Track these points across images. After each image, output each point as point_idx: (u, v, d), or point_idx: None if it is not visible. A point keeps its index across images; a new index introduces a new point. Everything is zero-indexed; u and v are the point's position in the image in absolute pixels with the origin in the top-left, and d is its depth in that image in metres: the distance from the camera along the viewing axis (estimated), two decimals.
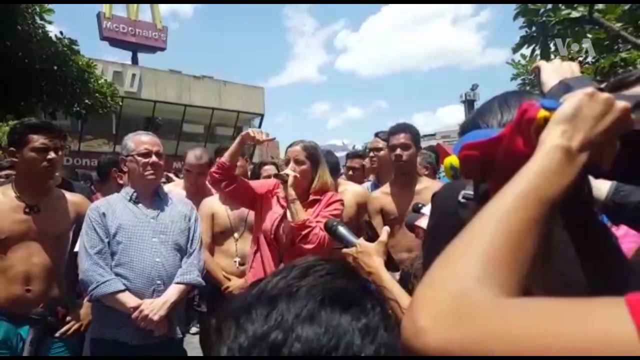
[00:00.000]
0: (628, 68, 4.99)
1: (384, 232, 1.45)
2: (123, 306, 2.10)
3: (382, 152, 3.31)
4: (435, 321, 0.47)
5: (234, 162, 2.48)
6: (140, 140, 2.33)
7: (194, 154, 3.23)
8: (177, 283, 2.22)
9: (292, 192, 2.35)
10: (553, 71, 0.99)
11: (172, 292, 2.18)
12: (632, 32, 5.19)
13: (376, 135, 3.43)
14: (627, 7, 5.54)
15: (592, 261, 0.80)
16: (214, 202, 3.03)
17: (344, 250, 1.49)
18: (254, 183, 2.61)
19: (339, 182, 3.22)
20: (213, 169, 2.54)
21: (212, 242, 3.01)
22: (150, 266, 2.18)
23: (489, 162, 0.71)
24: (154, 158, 2.29)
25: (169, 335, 2.20)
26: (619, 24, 5.28)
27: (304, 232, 2.30)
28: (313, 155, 2.48)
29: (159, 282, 2.19)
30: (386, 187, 2.95)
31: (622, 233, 1.40)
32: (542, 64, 1.05)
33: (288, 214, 2.41)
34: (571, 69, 1.00)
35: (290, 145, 2.52)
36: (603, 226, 0.98)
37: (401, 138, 2.78)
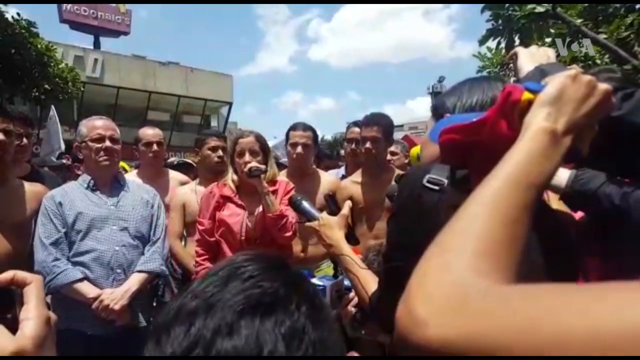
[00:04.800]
0: (587, 62, 5.18)
1: (346, 205, 1.48)
2: (82, 296, 2.04)
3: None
4: (436, 312, 0.44)
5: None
6: (93, 125, 2.24)
7: (149, 129, 3.17)
8: (139, 271, 2.17)
9: (265, 185, 2.33)
10: (529, 57, 1.01)
11: (134, 281, 2.14)
12: (591, 28, 5.38)
13: (355, 124, 3.40)
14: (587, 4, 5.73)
15: (544, 241, 0.84)
16: (185, 192, 2.99)
17: (307, 223, 1.53)
18: (205, 218, 2.44)
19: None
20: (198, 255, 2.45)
21: (184, 232, 2.97)
22: (110, 255, 2.12)
23: (470, 146, 0.71)
24: (107, 143, 2.20)
25: (132, 324, 2.16)
26: (579, 20, 5.47)
27: (282, 222, 2.31)
28: (265, 145, 2.47)
29: (119, 271, 2.14)
30: (356, 176, 2.97)
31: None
32: (520, 50, 1.06)
33: (246, 213, 2.39)
34: (547, 55, 1.01)
35: (240, 137, 2.45)
36: (548, 206, 1.02)
37: (373, 131, 2.78)
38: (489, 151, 0.63)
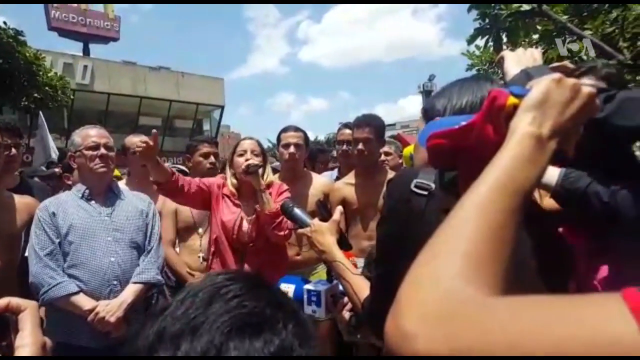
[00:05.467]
0: (574, 59, 5.22)
1: (337, 211, 1.49)
2: (77, 309, 2.02)
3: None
4: (423, 325, 0.44)
5: (164, 177, 2.29)
6: (87, 134, 2.24)
7: (135, 137, 3.15)
8: (135, 282, 2.15)
9: (262, 182, 2.39)
10: (515, 60, 1.01)
11: (129, 293, 2.12)
12: (577, 24, 5.43)
13: (345, 126, 3.42)
14: None
15: (539, 245, 0.86)
16: None
17: (299, 230, 1.54)
18: (204, 181, 2.53)
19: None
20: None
21: (176, 239, 2.97)
22: (105, 266, 2.10)
23: (457, 151, 0.71)
24: (102, 150, 2.20)
25: (127, 336, 2.14)
26: (565, 16, 5.52)
27: (278, 220, 2.34)
28: (264, 151, 2.58)
29: (115, 282, 2.11)
30: (350, 178, 2.98)
31: None
32: (506, 53, 1.06)
33: (242, 213, 2.44)
34: (533, 57, 1.02)
35: (242, 140, 2.58)
36: (543, 210, 1.03)
37: (365, 132, 2.80)
38: (476, 155, 0.64)
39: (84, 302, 2.03)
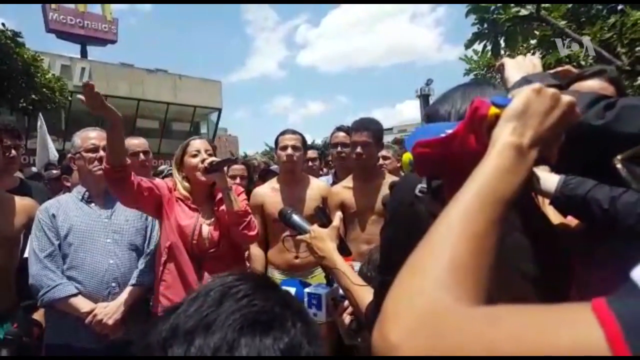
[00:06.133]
0: (572, 64, 5.25)
1: (337, 217, 1.49)
2: (76, 311, 2.03)
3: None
4: (407, 336, 0.46)
5: (121, 154, 1.99)
6: (87, 136, 2.25)
7: (133, 139, 3.13)
8: (133, 285, 2.16)
9: (229, 180, 2.24)
10: (516, 67, 1.02)
11: (127, 295, 2.12)
12: (575, 29, 5.46)
13: (339, 129, 3.42)
14: (570, 5, 5.82)
15: (540, 254, 0.85)
16: None
17: (298, 237, 1.53)
18: (154, 181, 2.25)
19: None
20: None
21: None
22: (104, 268, 2.11)
23: (441, 159, 0.72)
24: (101, 153, 2.20)
25: (126, 338, 2.13)
26: (563, 22, 5.54)
27: (247, 219, 2.22)
28: (215, 148, 2.42)
29: (113, 284, 2.12)
30: (348, 182, 2.98)
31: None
32: (507, 60, 1.07)
33: (201, 217, 2.24)
34: (533, 64, 1.02)
35: (191, 140, 2.34)
36: (547, 219, 1.03)
37: (363, 136, 2.80)
38: (460, 164, 0.65)
39: (83, 304, 2.04)
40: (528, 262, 0.85)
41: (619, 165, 0.63)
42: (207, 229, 2.24)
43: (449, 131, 0.71)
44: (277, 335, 0.54)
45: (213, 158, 2.22)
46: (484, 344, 0.42)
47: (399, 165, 3.77)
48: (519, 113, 0.63)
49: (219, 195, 2.27)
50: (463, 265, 0.51)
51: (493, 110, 0.65)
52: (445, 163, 0.72)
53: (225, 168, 2.55)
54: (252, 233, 2.27)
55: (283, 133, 3.02)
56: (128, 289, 2.15)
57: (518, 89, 0.68)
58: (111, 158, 1.96)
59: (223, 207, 2.23)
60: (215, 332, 0.53)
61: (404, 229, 0.94)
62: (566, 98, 0.65)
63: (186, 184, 2.29)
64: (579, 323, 0.40)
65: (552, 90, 0.65)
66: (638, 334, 0.38)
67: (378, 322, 0.50)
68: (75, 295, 2.03)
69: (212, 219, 2.27)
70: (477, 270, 0.51)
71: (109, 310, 2.05)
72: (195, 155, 2.25)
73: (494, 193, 0.57)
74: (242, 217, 2.20)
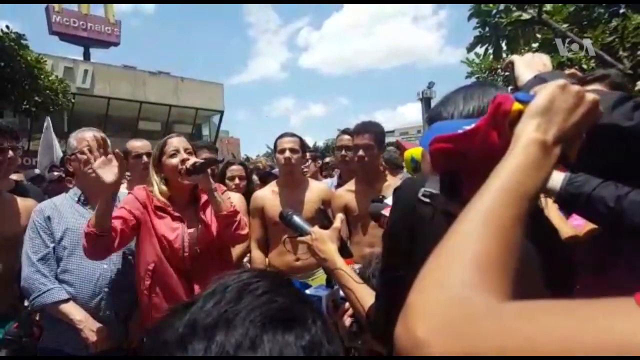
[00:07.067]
0: (574, 67, 5.24)
1: (338, 219, 1.49)
2: (66, 317, 1.97)
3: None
4: (437, 333, 0.44)
5: (105, 227, 1.82)
6: (82, 137, 2.20)
7: (136, 141, 3.10)
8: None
9: (213, 181, 2.07)
10: (526, 65, 1.01)
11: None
12: (576, 33, 5.46)
13: (344, 132, 3.42)
14: (572, 8, 5.83)
15: (542, 256, 0.85)
16: None
17: (299, 238, 1.53)
18: (125, 207, 2.03)
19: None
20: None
21: None
22: (97, 273, 2.06)
23: (461, 155, 0.71)
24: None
25: (119, 343, 2.10)
26: (565, 25, 5.55)
27: (236, 220, 2.07)
28: (194, 149, 2.25)
29: (106, 289, 2.07)
30: (350, 185, 2.98)
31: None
32: (516, 58, 1.06)
33: (184, 225, 2.08)
34: (543, 62, 1.01)
35: (168, 138, 2.18)
36: (548, 220, 1.03)
37: (365, 138, 2.80)
38: (480, 160, 0.64)
39: (73, 310, 1.99)
40: (534, 264, 0.85)
41: None
42: (194, 236, 2.08)
43: (467, 127, 0.70)
44: (298, 332, 0.53)
45: (195, 159, 2.05)
46: (522, 340, 0.40)
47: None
48: (544, 109, 0.62)
49: (204, 198, 2.12)
50: (490, 260, 0.50)
51: (517, 105, 0.65)
52: (464, 159, 0.71)
53: (212, 169, 2.31)
54: (244, 232, 2.14)
55: (281, 136, 3.03)
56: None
57: (540, 86, 0.68)
58: (101, 221, 1.80)
59: (209, 211, 2.11)
60: (237, 327, 0.52)
61: (407, 233, 0.94)
62: (590, 96, 0.65)
63: (164, 188, 2.11)
64: (632, 319, 0.37)
65: (576, 87, 0.65)
66: None
67: (403, 317, 0.48)
68: (66, 301, 1.99)
69: (198, 225, 2.11)
70: (504, 266, 0.50)
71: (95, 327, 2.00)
72: (173, 155, 2.08)
73: (519, 188, 0.56)
74: (232, 217, 2.05)
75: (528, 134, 0.60)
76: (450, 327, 0.44)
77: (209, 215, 2.12)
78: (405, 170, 3.73)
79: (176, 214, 2.09)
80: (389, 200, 1.75)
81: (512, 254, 0.52)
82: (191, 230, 2.09)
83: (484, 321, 0.43)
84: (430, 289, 0.49)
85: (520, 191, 0.56)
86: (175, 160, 2.07)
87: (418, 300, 0.49)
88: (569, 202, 1.25)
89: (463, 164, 0.73)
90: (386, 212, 1.75)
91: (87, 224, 1.82)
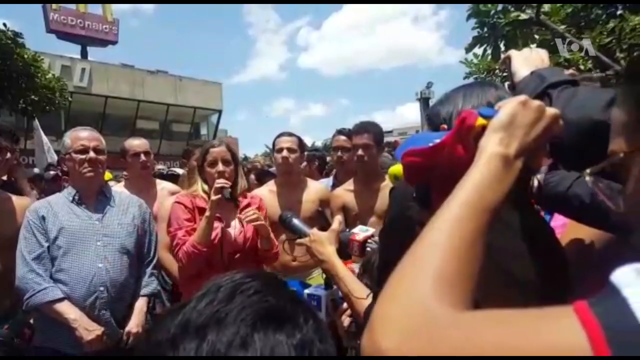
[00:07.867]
0: (572, 68, 5.25)
1: (336, 220, 1.50)
2: (61, 316, 1.97)
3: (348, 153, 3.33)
4: (396, 342, 0.47)
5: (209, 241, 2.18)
6: (76, 136, 2.19)
7: (134, 140, 3.13)
8: (142, 296, 2.20)
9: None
10: (523, 61, 1.01)
11: (142, 304, 2.19)
12: (574, 34, 5.48)
13: (340, 132, 3.44)
14: (569, 9, 5.84)
15: (536, 256, 0.86)
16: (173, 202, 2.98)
17: (298, 240, 1.54)
18: (185, 216, 2.30)
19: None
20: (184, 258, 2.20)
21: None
22: (93, 272, 2.04)
23: (430, 168, 0.74)
24: (91, 154, 2.14)
25: (114, 343, 2.10)
26: (562, 26, 5.56)
27: (276, 250, 2.38)
28: (235, 155, 2.45)
29: (101, 288, 2.05)
30: (349, 184, 2.99)
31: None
32: (513, 53, 1.05)
33: (222, 224, 2.30)
34: (541, 58, 1.01)
35: (211, 146, 2.39)
36: (544, 221, 1.04)
37: (364, 138, 2.81)
38: (448, 173, 0.67)
39: (68, 310, 1.99)
40: (521, 263, 0.85)
41: (587, 179, 0.64)
42: (232, 234, 2.31)
43: (437, 140, 0.73)
44: (289, 331, 0.54)
45: (223, 182, 2.21)
46: (471, 348, 0.43)
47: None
48: (506, 124, 0.65)
49: (244, 202, 2.38)
50: (451, 272, 0.52)
51: (480, 121, 0.67)
52: (433, 172, 0.74)
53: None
54: (274, 258, 2.45)
55: (280, 135, 3.03)
56: (140, 299, 2.19)
57: (503, 101, 0.69)
58: (207, 238, 2.16)
59: (248, 215, 2.28)
60: (228, 326, 0.53)
61: (402, 233, 0.94)
62: (551, 110, 0.68)
63: (205, 187, 2.36)
64: (561, 325, 0.41)
65: (537, 102, 0.68)
66: (619, 334, 0.38)
67: (367, 327, 0.50)
68: (61, 300, 1.98)
69: (237, 225, 2.34)
70: (464, 277, 0.53)
71: (134, 324, 2.10)
72: (213, 164, 2.32)
73: (481, 201, 0.59)
74: (273, 255, 2.38)
75: (491, 148, 0.64)
76: (408, 336, 0.47)
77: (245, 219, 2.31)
78: None
79: (217, 214, 2.25)
80: (356, 229, 1.72)
81: (474, 266, 0.55)
82: (230, 229, 2.30)
83: (440, 331, 0.46)
84: (393, 301, 0.52)
85: (483, 204, 0.59)
86: (212, 170, 2.30)
87: (382, 312, 0.51)
88: (546, 202, 1.25)
89: (432, 176, 0.75)
90: (355, 237, 1.71)
91: (193, 245, 2.14)
